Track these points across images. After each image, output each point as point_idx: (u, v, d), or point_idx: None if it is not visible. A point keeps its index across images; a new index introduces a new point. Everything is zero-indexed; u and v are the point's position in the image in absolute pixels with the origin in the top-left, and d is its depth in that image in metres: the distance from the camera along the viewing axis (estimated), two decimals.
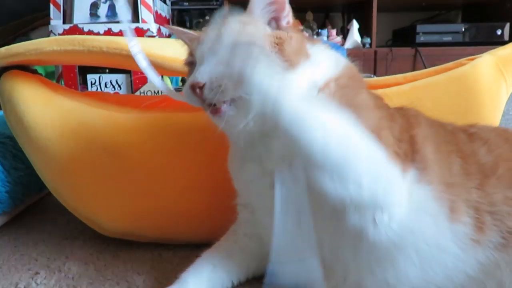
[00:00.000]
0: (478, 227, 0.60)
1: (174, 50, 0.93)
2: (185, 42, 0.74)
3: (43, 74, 0.99)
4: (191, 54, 0.69)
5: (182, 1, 2.71)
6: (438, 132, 0.70)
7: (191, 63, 0.69)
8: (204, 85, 0.59)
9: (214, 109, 0.61)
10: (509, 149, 0.70)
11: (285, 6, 0.67)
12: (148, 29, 2.17)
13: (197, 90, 0.60)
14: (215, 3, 2.67)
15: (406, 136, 0.65)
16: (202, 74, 0.60)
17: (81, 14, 2.22)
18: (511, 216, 0.61)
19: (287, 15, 0.67)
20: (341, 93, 0.64)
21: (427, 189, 0.61)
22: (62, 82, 2.19)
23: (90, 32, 2.16)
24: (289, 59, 0.63)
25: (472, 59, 1.00)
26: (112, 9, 2.23)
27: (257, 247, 0.76)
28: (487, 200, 0.62)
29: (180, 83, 2.33)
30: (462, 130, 0.74)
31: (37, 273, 0.86)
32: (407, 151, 0.63)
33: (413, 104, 0.74)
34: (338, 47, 2.21)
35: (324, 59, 0.69)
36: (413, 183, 0.60)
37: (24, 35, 2.50)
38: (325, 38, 2.55)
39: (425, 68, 1.96)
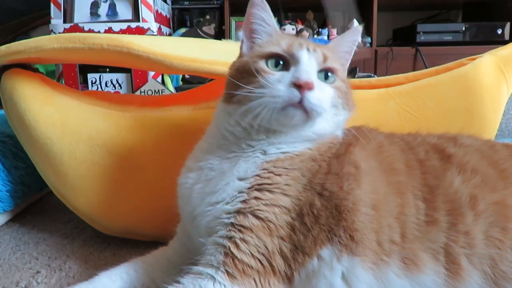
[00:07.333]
0: (453, 272, 0.56)
1: (174, 48, 0.93)
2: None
3: (44, 73, 0.99)
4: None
5: (183, 0, 2.71)
6: (390, 179, 0.63)
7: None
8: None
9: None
10: (495, 176, 0.63)
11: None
12: (149, 28, 2.17)
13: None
14: (215, 2, 2.67)
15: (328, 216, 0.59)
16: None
17: (81, 13, 2.22)
18: (503, 259, 0.56)
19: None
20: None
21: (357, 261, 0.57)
22: (63, 81, 2.19)
23: (91, 31, 2.16)
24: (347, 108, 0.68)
25: (473, 59, 1.00)
26: (112, 8, 2.23)
27: (180, 262, 0.74)
28: (463, 241, 0.57)
29: (180, 82, 2.32)
30: (439, 151, 0.67)
31: (38, 272, 0.86)
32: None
33: (415, 104, 0.72)
34: None
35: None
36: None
37: (24, 34, 2.50)
38: (325, 37, 2.55)
39: (426, 67, 1.96)
